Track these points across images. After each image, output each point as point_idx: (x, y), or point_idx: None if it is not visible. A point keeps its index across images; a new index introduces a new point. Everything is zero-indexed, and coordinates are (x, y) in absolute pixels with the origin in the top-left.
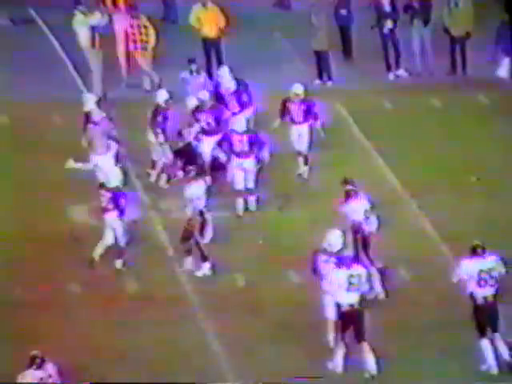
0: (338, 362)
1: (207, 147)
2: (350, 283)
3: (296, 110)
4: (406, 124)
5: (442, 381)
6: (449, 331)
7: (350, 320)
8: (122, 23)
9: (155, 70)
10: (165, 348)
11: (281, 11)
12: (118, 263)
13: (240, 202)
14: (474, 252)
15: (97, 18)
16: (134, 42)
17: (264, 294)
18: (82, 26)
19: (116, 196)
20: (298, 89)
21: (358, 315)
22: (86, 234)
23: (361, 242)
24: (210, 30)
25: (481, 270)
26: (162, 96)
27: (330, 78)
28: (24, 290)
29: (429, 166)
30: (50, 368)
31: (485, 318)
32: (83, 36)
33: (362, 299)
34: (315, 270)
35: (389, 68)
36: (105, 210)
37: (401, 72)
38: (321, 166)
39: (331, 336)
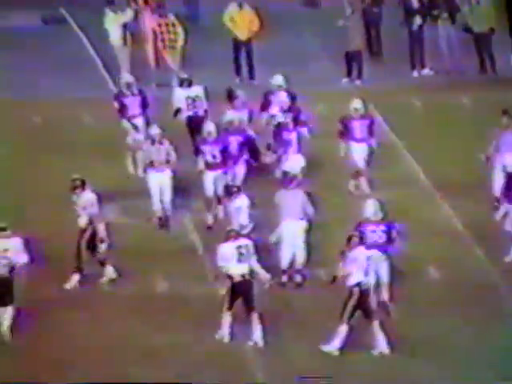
0: (225, 332)
1: (210, 182)
2: (240, 254)
3: (358, 126)
4: (435, 123)
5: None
6: (476, 331)
7: (240, 290)
8: (150, 22)
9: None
10: (192, 347)
11: (309, 9)
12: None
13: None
14: None
15: (128, 17)
16: (163, 40)
17: (290, 293)
18: (114, 24)
19: None
20: (358, 104)
21: (248, 286)
22: (113, 232)
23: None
24: (242, 32)
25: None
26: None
27: (359, 77)
28: (52, 287)
29: (458, 165)
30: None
31: None
32: (114, 34)
33: (252, 270)
34: None
35: (414, 66)
36: None
37: (426, 71)
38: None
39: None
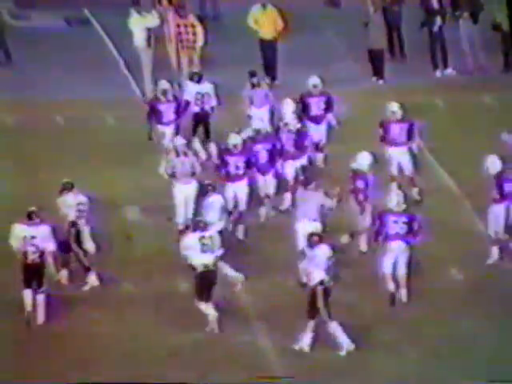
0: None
1: (231, 194)
2: (203, 244)
3: (398, 130)
4: (457, 122)
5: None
6: (500, 331)
7: (204, 281)
8: (171, 22)
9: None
10: (216, 346)
11: (331, 9)
12: None
13: None
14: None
15: (153, 18)
16: (182, 41)
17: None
18: (138, 26)
19: None
20: (395, 107)
21: (213, 276)
22: (138, 233)
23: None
24: (267, 32)
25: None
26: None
27: (381, 77)
28: (77, 287)
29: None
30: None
31: None
32: (138, 36)
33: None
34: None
35: (436, 66)
36: None
37: (449, 71)
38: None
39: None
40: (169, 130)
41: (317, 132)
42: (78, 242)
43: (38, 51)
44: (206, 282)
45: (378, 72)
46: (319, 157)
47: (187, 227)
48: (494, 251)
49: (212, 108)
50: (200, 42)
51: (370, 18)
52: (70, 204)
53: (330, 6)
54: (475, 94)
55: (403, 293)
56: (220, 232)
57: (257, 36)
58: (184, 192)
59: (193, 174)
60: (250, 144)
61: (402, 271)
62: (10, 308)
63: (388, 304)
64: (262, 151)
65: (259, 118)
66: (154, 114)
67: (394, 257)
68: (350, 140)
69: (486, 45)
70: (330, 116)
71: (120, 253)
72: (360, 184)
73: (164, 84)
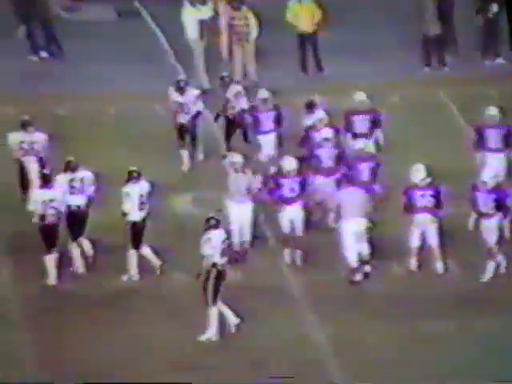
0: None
1: (287, 218)
2: (72, 187)
3: (495, 135)
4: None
5: None
6: None
7: (74, 219)
8: (224, 14)
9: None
10: (266, 337)
11: None
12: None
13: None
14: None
15: (207, 11)
16: (235, 33)
17: (365, 286)
18: (191, 18)
19: None
20: (493, 111)
21: (84, 215)
22: (189, 223)
23: None
24: (306, 25)
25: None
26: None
27: (444, 64)
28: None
29: None
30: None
31: None
32: (190, 28)
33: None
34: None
35: (487, 55)
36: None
37: (500, 60)
38: (424, 154)
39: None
40: (268, 139)
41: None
42: (139, 239)
43: (89, 43)
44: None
45: (430, 60)
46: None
47: (241, 252)
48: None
49: (243, 110)
50: (254, 34)
51: (425, 5)
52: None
53: None
54: None
55: (438, 265)
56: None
57: (296, 30)
58: (239, 211)
59: (249, 193)
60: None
61: (434, 243)
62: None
63: None
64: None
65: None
66: (253, 123)
67: (422, 230)
68: (399, 129)
69: None
70: (378, 133)
71: (171, 242)
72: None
73: (264, 93)
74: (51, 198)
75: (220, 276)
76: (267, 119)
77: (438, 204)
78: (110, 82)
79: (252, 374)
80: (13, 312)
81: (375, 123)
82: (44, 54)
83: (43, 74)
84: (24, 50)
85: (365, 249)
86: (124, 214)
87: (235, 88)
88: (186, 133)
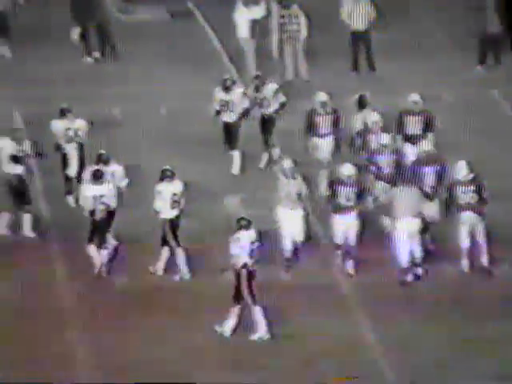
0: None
1: (340, 228)
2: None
3: None
4: None
5: None
6: None
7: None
8: (275, 13)
9: None
10: (317, 337)
11: None
12: None
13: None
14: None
15: (259, 10)
16: (286, 32)
17: (418, 287)
18: (243, 17)
19: None
20: None
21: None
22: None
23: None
24: (360, 24)
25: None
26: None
27: (499, 63)
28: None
29: None
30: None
31: None
32: (242, 27)
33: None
34: None
35: None
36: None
37: None
38: (478, 154)
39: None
40: (325, 143)
41: (413, 154)
42: (175, 234)
43: (142, 44)
44: None
45: (485, 59)
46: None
47: (291, 259)
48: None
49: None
50: (304, 33)
51: (486, 3)
52: (166, 193)
53: None
54: None
55: (484, 260)
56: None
57: (350, 29)
58: (289, 218)
59: (299, 199)
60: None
61: (481, 240)
62: None
63: None
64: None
65: None
66: (311, 126)
67: (469, 228)
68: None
69: None
70: (430, 137)
71: (221, 243)
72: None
73: (323, 96)
74: (101, 193)
75: (251, 276)
76: (325, 122)
77: (481, 199)
78: (162, 82)
79: (304, 374)
80: (66, 310)
81: (428, 125)
82: (97, 56)
83: (97, 75)
84: (78, 52)
85: (417, 250)
86: (156, 212)
87: (272, 86)
88: (230, 132)
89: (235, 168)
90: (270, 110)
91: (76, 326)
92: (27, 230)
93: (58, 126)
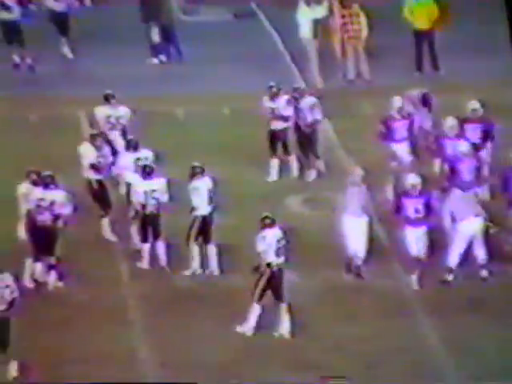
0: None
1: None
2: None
3: None
4: None
5: None
6: None
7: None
8: (337, 13)
9: None
10: (380, 340)
11: None
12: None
13: None
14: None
15: (322, 10)
16: (347, 31)
17: (481, 288)
18: (306, 17)
19: None
20: None
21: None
22: (301, 223)
23: None
24: (422, 23)
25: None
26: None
27: None
28: None
29: None
30: (7, 278)
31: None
32: (305, 27)
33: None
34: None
35: None
36: None
37: None
38: None
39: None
40: (401, 148)
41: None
42: (205, 232)
43: (206, 45)
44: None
45: None
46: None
47: (354, 268)
48: None
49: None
50: (365, 31)
51: None
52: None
53: None
54: None
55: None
56: None
57: (412, 28)
58: (354, 226)
59: (364, 207)
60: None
61: None
62: None
63: None
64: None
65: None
66: (387, 131)
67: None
68: None
69: None
70: (488, 146)
71: None
72: None
73: (398, 101)
74: (153, 188)
75: (273, 277)
76: (401, 128)
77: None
78: (226, 83)
79: (367, 375)
80: (131, 310)
81: (487, 134)
82: (163, 58)
83: (161, 76)
84: (143, 54)
85: (481, 252)
86: (193, 209)
87: (310, 100)
88: (277, 140)
89: (294, 171)
90: (306, 122)
91: (139, 324)
92: (108, 234)
93: (101, 112)
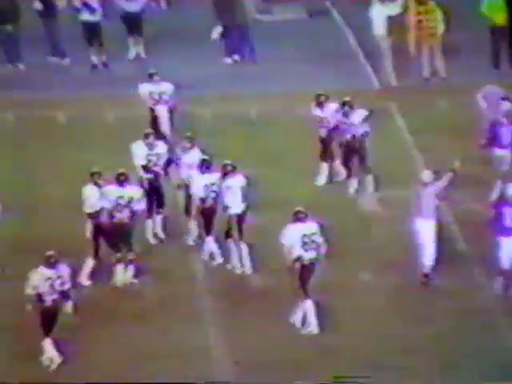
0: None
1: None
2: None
3: None
4: None
5: None
6: None
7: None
8: (412, 10)
9: None
10: (451, 341)
11: None
12: None
13: None
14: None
15: (395, 7)
16: (422, 28)
17: None
18: (379, 14)
19: None
20: None
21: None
22: (375, 222)
23: None
24: (500, 17)
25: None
26: None
27: None
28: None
29: None
30: (63, 269)
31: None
32: (378, 24)
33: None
34: None
35: None
36: None
37: None
38: None
39: None
40: (507, 153)
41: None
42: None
43: (280, 44)
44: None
45: None
46: None
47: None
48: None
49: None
50: (440, 28)
51: None
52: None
53: None
54: None
55: None
56: None
57: (491, 23)
58: (427, 230)
59: (435, 210)
60: None
61: None
62: None
63: None
64: None
65: None
66: (495, 137)
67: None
68: None
69: None
70: None
71: (354, 243)
72: None
73: (508, 105)
74: (212, 181)
75: (304, 270)
76: (509, 132)
77: None
78: (300, 82)
79: (443, 375)
80: (205, 308)
81: None
82: (236, 57)
83: (235, 75)
84: (216, 54)
85: None
86: (226, 208)
87: (362, 112)
88: (326, 146)
89: (319, 181)
90: (356, 134)
91: (214, 322)
92: (160, 232)
93: (144, 88)
